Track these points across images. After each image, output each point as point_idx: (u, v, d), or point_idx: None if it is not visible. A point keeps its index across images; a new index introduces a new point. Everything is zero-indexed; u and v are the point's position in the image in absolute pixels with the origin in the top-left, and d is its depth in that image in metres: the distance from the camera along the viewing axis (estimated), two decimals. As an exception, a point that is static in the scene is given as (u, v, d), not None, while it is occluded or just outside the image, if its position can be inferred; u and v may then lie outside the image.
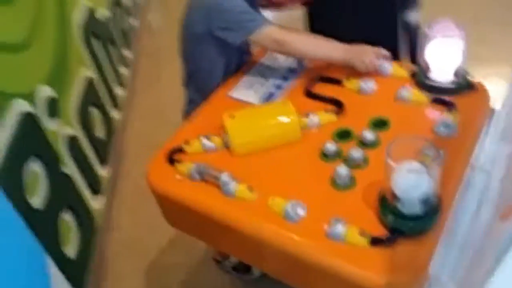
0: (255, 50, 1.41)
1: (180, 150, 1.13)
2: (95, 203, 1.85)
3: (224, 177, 1.01)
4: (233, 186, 1.00)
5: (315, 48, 1.25)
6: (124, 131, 2.38)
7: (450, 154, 1.00)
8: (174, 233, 1.78)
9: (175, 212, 1.12)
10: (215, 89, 1.30)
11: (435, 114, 1.10)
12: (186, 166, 1.07)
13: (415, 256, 0.85)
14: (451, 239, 0.97)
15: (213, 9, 1.19)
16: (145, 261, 1.77)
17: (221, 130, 1.12)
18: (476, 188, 1.08)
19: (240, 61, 1.37)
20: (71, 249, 1.57)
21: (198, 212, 1.02)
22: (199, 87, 1.35)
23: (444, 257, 0.92)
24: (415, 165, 0.85)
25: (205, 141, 1.13)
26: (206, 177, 1.04)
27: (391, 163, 0.85)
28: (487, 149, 1.16)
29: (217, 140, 1.13)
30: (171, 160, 1.10)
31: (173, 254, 1.72)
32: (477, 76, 1.22)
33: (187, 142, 1.14)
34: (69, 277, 1.49)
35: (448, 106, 1.10)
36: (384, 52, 1.23)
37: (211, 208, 1.01)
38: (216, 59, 1.28)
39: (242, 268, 1.58)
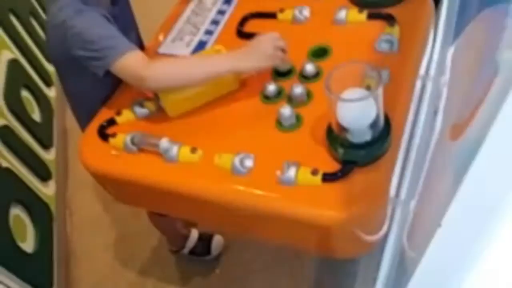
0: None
1: (112, 123, 1.02)
2: (47, 190, 1.74)
3: (164, 143, 0.93)
4: (175, 150, 0.92)
5: (192, 73, 0.96)
6: (64, 108, 2.22)
7: (396, 70, 0.94)
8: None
9: (119, 189, 1.04)
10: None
11: (375, 30, 1.02)
12: (121, 138, 0.98)
13: (371, 184, 0.80)
14: (407, 156, 0.93)
15: (71, 36, 0.94)
16: (111, 235, 1.72)
17: (153, 93, 1.01)
18: (429, 98, 1.04)
19: None
20: (29, 244, 1.49)
21: (142, 185, 0.95)
22: (84, 109, 1.13)
23: (402, 175, 0.89)
24: (357, 91, 0.78)
25: (137, 108, 1.03)
26: (145, 147, 0.96)
27: (332, 95, 0.78)
28: (435, 56, 1.11)
29: (150, 104, 1.03)
30: (104, 135, 1.01)
31: (137, 223, 1.66)
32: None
33: (118, 113, 1.03)
34: (32, 272, 1.43)
35: (387, 20, 1.02)
36: (276, 34, 0.99)
37: (155, 178, 0.93)
38: (91, 80, 1.02)
39: (200, 251, 1.53)
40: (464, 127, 0.62)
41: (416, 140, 0.95)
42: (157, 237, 1.62)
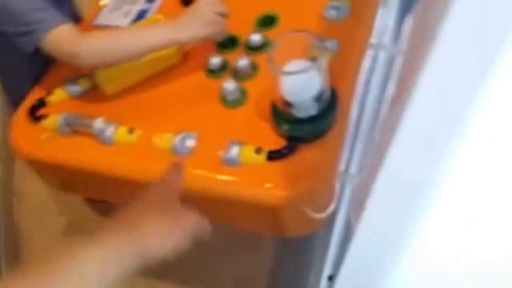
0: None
1: (43, 104, 0.94)
2: (-9, 177, 1.64)
3: (98, 123, 0.86)
4: (111, 131, 0.85)
5: (128, 45, 0.88)
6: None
7: (344, 39, 0.88)
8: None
9: (54, 176, 0.96)
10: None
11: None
12: (53, 120, 0.90)
13: (318, 160, 0.76)
14: (357, 129, 0.89)
15: None
16: (63, 223, 1.63)
17: (88, 70, 0.93)
18: (380, 67, 0.99)
19: None
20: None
21: (77, 170, 0.88)
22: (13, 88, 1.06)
23: (352, 149, 0.85)
24: (300, 63, 0.73)
25: (70, 86, 0.95)
26: (78, 128, 0.88)
27: (275, 68, 0.72)
28: (386, 24, 1.06)
29: (84, 81, 0.95)
30: (35, 118, 0.92)
31: (89, 209, 1.58)
32: None
33: (50, 92, 0.95)
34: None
35: (336, -16, 0.96)
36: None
37: (89, 162, 0.86)
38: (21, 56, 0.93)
39: None
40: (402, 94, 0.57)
41: (366, 112, 0.91)
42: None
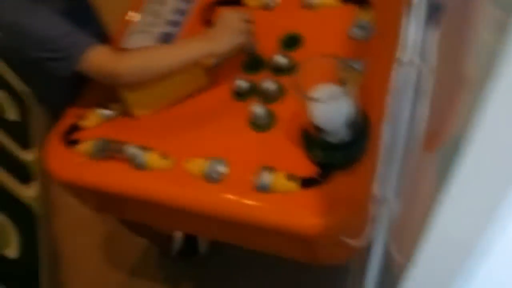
0: None
1: (76, 128, 0.97)
2: (28, 192, 1.69)
3: (130, 149, 0.88)
4: (143, 156, 0.87)
5: (168, 61, 0.90)
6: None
7: (372, 58, 0.88)
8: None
9: (90, 199, 0.99)
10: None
11: (348, 14, 0.96)
12: (87, 145, 0.93)
13: (353, 187, 0.76)
14: (392, 150, 0.88)
15: (21, 34, 0.86)
16: (99, 236, 1.68)
17: (118, 93, 0.96)
18: (410, 85, 0.98)
19: None
20: (13, 249, 1.46)
21: (112, 194, 0.90)
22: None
23: (386, 173, 0.84)
24: (328, 88, 0.73)
25: (102, 110, 0.97)
26: (111, 153, 0.91)
27: (303, 95, 0.73)
28: (413, 39, 1.05)
29: (116, 106, 0.97)
30: (69, 142, 0.95)
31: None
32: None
33: (83, 117, 0.98)
34: (18, 278, 1.41)
35: (360, 3, 0.96)
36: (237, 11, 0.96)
37: (124, 187, 0.88)
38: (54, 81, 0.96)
39: (188, 251, 1.49)
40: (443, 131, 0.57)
41: (399, 133, 0.90)
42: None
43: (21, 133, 1.84)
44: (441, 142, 0.55)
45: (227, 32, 0.90)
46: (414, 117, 0.91)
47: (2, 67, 1.91)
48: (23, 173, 1.71)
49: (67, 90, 1.03)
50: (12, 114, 1.85)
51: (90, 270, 1.62)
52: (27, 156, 1.81)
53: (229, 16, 0.91)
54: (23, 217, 1.60)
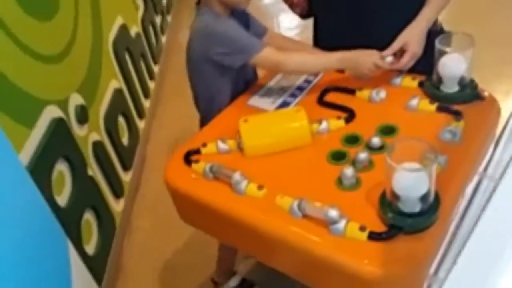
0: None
1: (196, 152, 1.19)
2: (117, 206, 1.93)
3: (236, 176, 1.07)
4: (244, 184, 1.06)
5: (310, 65, 1.32)
6: (148, 139, 2.48)
7: (454, 158, 1.03)
8: (188, 236, 1.86)
9: (189, 208, 1.18)
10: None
11: (441, 121, 1.13)
12: (201, 165, 1.14)
13: (412, 250, 0.88)
14: (453, 241, 0.99)
15: (212, 36, 1.24)
16: (162, 262, 1.83)
17: (237, 134, 1.18)
18: (483, 195, 1.10)
19: (247, 78, 1.43)
20: (91, 247, 1.65)
21: (210, 208, 1.08)
22: (207, 109, 1.39)
23: (444, 256, 0.94)
24: (414, 165, 0.89)
25: (220, 143, 1.19)
26: (219, 176, 1.10)
27: (392, 163, 0.89)
28: (497, 158, 1.18)
29: (231, 143, 1.19)
30: (188, 160, 1.17)
31: (190, 257, 1.77)
32: (498, 92, 1.27)
33: (204, 145, 1.20)
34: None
35: (455, 114, 1.14)
36: (380, 54, 1.26)
37: (222, 204, 1.07)
38: (218, 81, 1.33)
39: None
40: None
41: (464, 226, 1.01)
42: (205, 275, 1.71)
43: (127, 156, 2.13)
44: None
45: (359, 66, 1.28)
46: (478, 222, 1.02)
47: (129, 103, 2.29)
48: (118, 189, 1.97)
49: (221, 98, 1.36)
50: (125, 140, 2.17)
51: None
52: (126, 177, 2.08)
53: (364, 53, 1.26)
54: (107, 225, 1.81)
